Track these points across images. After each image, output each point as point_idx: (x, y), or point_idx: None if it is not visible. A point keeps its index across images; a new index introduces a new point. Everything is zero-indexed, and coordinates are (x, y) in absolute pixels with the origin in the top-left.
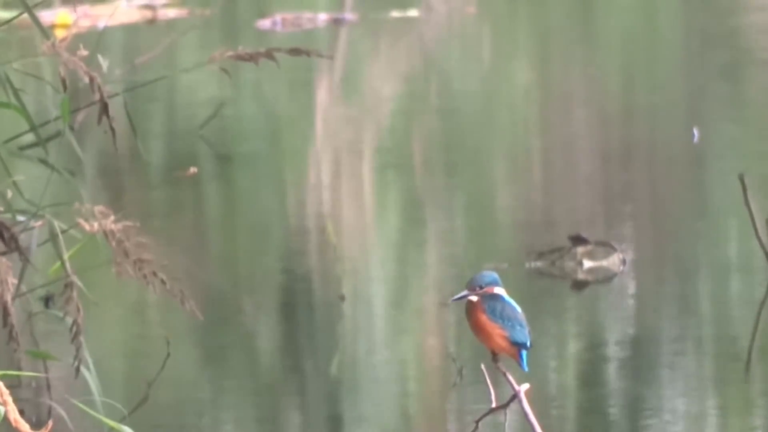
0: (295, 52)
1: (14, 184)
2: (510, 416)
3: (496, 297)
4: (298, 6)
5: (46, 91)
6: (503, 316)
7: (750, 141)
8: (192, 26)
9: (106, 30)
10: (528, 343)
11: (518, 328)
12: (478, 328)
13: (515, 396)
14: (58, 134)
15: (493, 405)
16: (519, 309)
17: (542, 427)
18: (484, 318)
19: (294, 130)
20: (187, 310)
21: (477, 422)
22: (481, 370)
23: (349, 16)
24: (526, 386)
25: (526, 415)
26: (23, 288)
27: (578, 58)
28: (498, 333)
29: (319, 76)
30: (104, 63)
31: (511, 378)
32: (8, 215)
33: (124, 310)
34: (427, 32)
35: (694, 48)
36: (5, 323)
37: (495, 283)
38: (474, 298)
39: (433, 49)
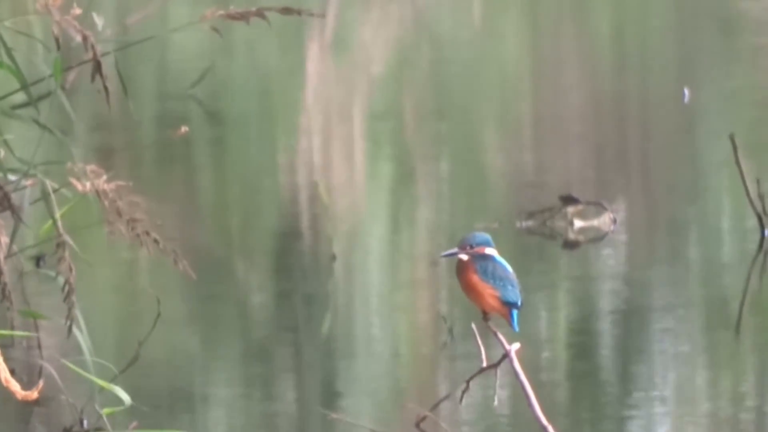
0: (286, 11)
1: (5, 143)
2: (500, 375)
3: (488, 257)
4: None
5: (37, 51)
6: (494, 276)
7: (741, 101)
8: None
9: None
10: (519, 303)
11: (509, 287)
12: (469, 288)
13: (506, 355)
14: (50, 93)
15: (484, 364)
16: (510, 269)
17: (532, 386)
18: (475, 278)
19: (285, 91)
20: (181, 269)
21: (468, 382)
22: (472, 330)
23: None
24: (516, 345)
25: (516, 374)
26: (15, 248)
27: (569, 22)
28: (489, 293)
29: (310, 36)
30: (99, 21)
31: (501, 337)
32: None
33: (114, 269)
34: None
35: (686, 9)
36: None
37: (486, 244)
38: (464, 257)
39: (424, 11)
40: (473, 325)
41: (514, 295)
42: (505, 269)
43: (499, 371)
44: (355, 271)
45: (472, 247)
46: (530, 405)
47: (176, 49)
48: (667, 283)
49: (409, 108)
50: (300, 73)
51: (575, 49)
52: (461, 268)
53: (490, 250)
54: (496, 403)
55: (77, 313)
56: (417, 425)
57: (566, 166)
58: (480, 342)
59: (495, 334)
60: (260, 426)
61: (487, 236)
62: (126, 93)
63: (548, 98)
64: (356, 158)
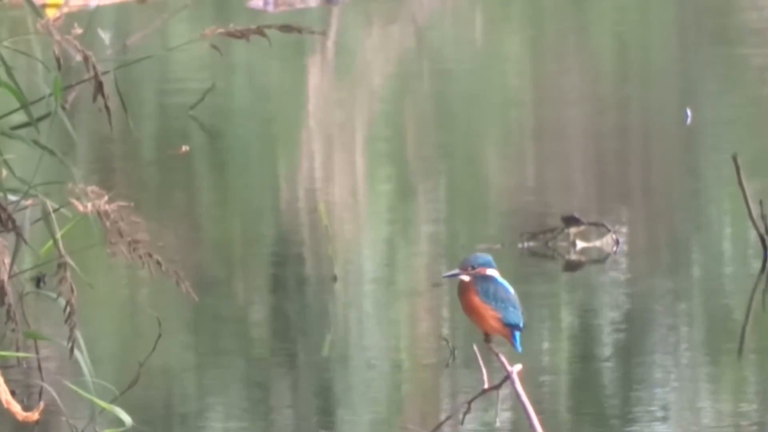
0: (286, 28)
1: (6, 162)
2: (502, 397)
3: (489, 278)
4: None
5: (37, 70)
6: (496, 298)
7: (743, 121)
8: (183, 5)
9: (98, 9)
10: (521, 325)
11: (511, 309)
12: (470, 310)
13: (508, 377)
14: (50, 114)
15: (486, 386)
16: (512, 290)
17: (534, 408)
18: (477, 299)
19: (286, 110)
20: (183, 290)
21: (469, 403)
22: (474, 351)
23: None
24: (518, 367)
25: (518, 395)
26: (16, 268)
27: (572, 41)
28: (491, 314)
29: (311, 55)
30: (106, 37)
31: (503, 359)
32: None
33: (115, 290)
34: (420, 12)
35: (688, 28)
36: (2, 302)
37: (488, 265)
38: (466, 278)
39: (425, 28)
40: (475, 347)
41: (516, 316)
42: (506, 290)
43: (500, 393)
44: (356, 291)
45: (473, 268)
46: (532, 426)
47: (177, 68)
48: (670, 304)
49: (411, 127)
50: (301, 92)
51: (577, 67)
52: (463, 290)
53: (491, 271)
54: (498, 424)
55: (78, 334)
56: None
57: (568, 186)
58: (482, 363)
59: (497, 356)
60: None
61: (489, 257)
62: (126, 112)
63: (550, 118)
64: (357, 178)
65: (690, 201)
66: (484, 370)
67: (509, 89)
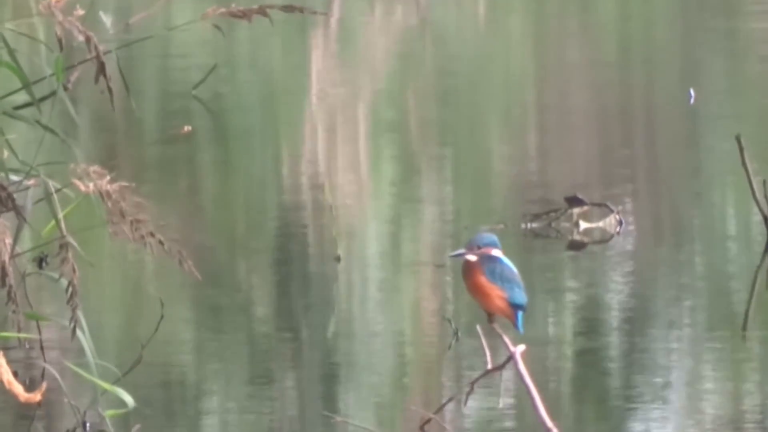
0: (289, 8)
1: (7, 142)
2: (506, 377)
3: (495, 259)
4: None
5: (39, 51)
6: (502, 278)
7: (747, 102)
8: None
9: None
10: (525, 305)
11: (516, 289)
12: (476, 290)
13: (511, 357)
14: (52, 94)
15: (489, 366)
16: (516, 270)
17: (537, 388)
18: (483, 279)
19: (289, 90)
20: (185, 270)
21: (472, 384)
22: (477, 331)
23: None
24: (521, 348)
25: (521, 376)
26: (18, 249)
27: (575, 23)
28: (497, 294)
29: (314, 35)
30: (107, 20)
31: (507, 339)
32: (1, 174)
33: (117, 271)
34: None
35: (692, 8)
36: (3, 283)
37: (494, 245)
38: (472, 258)
39: (428, 10)
40: (478, 328)
41: (521, 297)
42: (511, 271)
43: (504, 373)
44: (360, 271)
45: (479, 247)
46: (535, 407)
47: (179, 48)
48: (673, 284)
49: (414, 107)
50: (304, 71)
51: (580, 49)
52: (468, 270)
53: (496, 252)
54: (500, 405)
55: (80, 314)
56: (421, 428)
57: (572, 167)
58: (485, 344)
59: (500, 336)
60: (263, 428)
61: (494, 237)
62: (128, 92)
63: (553, 99)
64: (361, 159)
65: (693, 181)
66: (487, 351)
67: (512, 70)
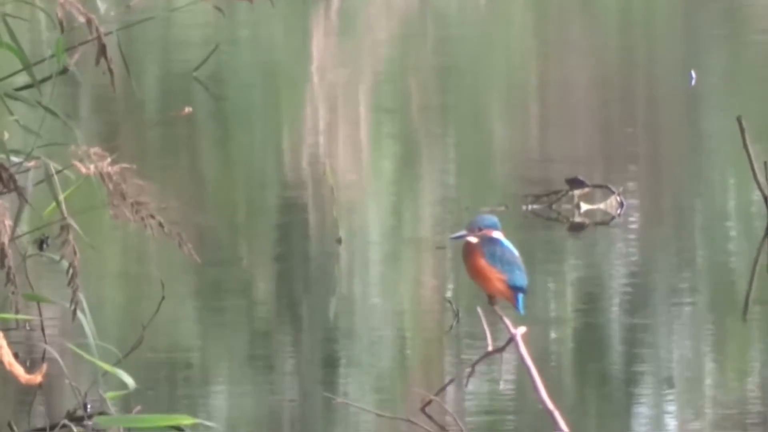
0: None
1: (12, 122)
2: (507, 359)
3: (495, 241)
4: None
5: (41, 31)
6: (502, 260)
7: (748, 84)
8: None
9: None
10: (525, 287)
11: (517, 272)
12: (476, 272)
13: (512, 339)
14: (53, 75)
15: (490, 348)
16: (517, 253)
17: (538, 370)
18: (483, 262)
19: (290, 71)
20: (185, 253)
21: (473, 366)
22: (477, 313)
23: None
24: (522, 329)
25: (522, 357)
26: (18, 231)
27: (577, 3)
28: (497, 276)
29: (315, 16)
30: (102, 5)
31: (507, 321)
32: (2, 156)
33: (118, 252)
34: None
35: None
36: (3, 265)
37: (494, 227)
38: (473, 240)
39: None
40: (479, 310)
41: (521, 279)
42: (512, 253)
43: (505, 355)
44: (361, 253)
45: (480, 229)
46: (536, 389)
47: (180, 30)
48: (674, 266)
49: (415, 90)
50: (305, 53)
51: (582, 31)
52: (468, 252)
53: (497, 234)
54: (501, 386)
55: (81, 296)
56: (422, 409)
57: (573, 148)
58: (486, 326)
59: (501, 318)
60: (264, 409)
61: (495, 219)
62: (129, 73)
63: (555, 81)
64: (362, 140)
65: (694, 163)
66: (488, 333)
67: (514, 52)
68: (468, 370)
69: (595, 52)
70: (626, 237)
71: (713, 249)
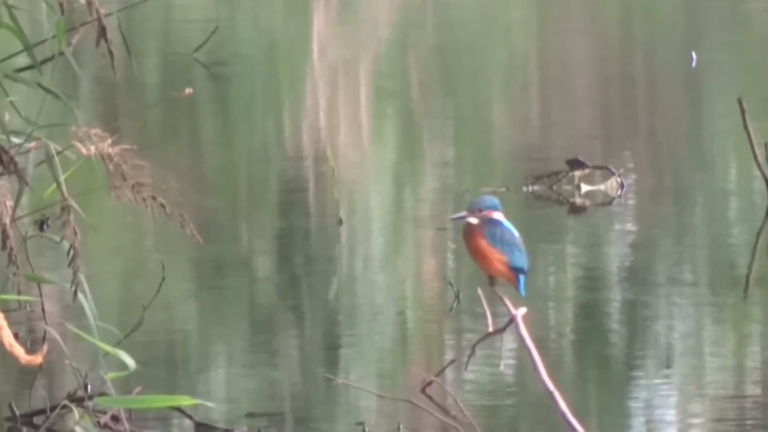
0: None
1: (10, 104)
2: (507, 340)
3: (496, 222)
4: None
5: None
6: (503, 241)
7: (748, 65)
8: None
9: None
10: (526, 269)
11: (517, 253)
12: (477, 253)
13: (512, 320)
14: (54, 56)
15: (490, 329)
16: (517, 234)
17: (539, 351)
18: (483, 243)
19: (290, 52)
20: (187, 233)
21: (473, 347)
22: (478, 294)
23: None
24: (523, 310)
25: (522, 339)
26: (19, 212)
27: None
28: (497, 258)
29: None
30: None
31: (508, 302)
32: (3, 137)
33: (119, 233)
34: None
35: None
36: (4, 246)
37: (495, 208)
38: (473, 221)
39: None
40: (480, 291)
41: (522, 260)
42: (512, 234)
43: (505, 336)
44: (362, 234)
45: (480, 210)
46: (536, 369)
47: (181, 11)
48: (674, 247)
49: (416, 70)
50: (306, 34)
51: (582, 12)
52: (469, 233)
53: (497, 215)
54: (501, 368)
55: (82, 277)
56: (422, 390)
57: (573, 130)
58: (486, 307)
59: (501, 299)
60: (264, 390)
61: (496, 200)
62: (130, 55)
63: (556, 63)
64: (362, 122)
65: (695, 144)
66: (489, 314)
67: (514, 34)
68: (468, 351)
69: (596, 34)
70: (627, 218)
71: (714, 230)
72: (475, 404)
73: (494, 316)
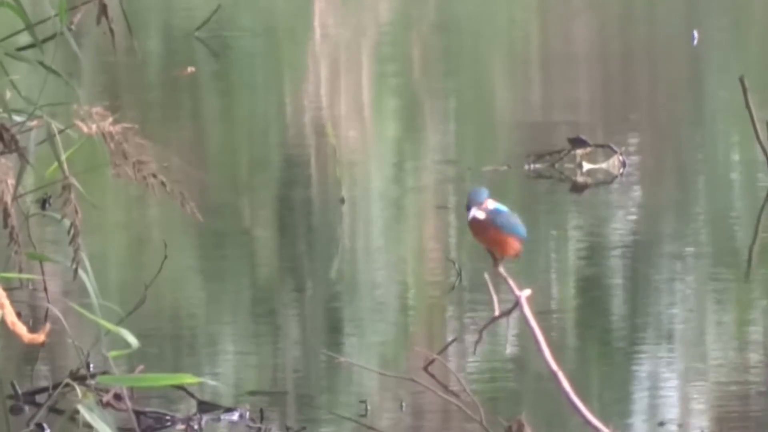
0: None
1: (11, 83)
2: (511, 320)
3: (495, 210)
4: None
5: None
6: (509, 224)
7: (750, 43)
8: None
9: None
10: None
11: (519, 226)
12: (494, 243)
13: (518, 303)
14: (55, 35)
15: (496, 313)
16: (506, 208)
17: (543, 332)
18: (501, 234)
19: (292, 32)
20: (188, 212)
21: (481, 332)
22: (480, 271)
23: None
24: (527, 292)
25: (526, 320)
26: (21, 190)
27: None
28: (512, 242)
29: None
30: None
31: (512, 283)
32: (5, 115)
33: (120, 212)
34: None
35: None
36: (6, 224)
37: (489, 197)
38: (481, 215)
39: None
40: (486, 276)
41: (522, 228)
42: (508, 212)
43: (509, 316)
44: (364, 213)
45: (481, 204)
46: (540, 350)
47: None
48: (676, 226)
49: (417, 49)
50: (307, 12)
51: None
52: (480, 228)
53: (491, 202)
54: (505, 346)
55: (83, 255)
56: (425, 369)
57: (575, 108)
58: (492, 291)
59: (506, 281)
60: (266, 369)
61: (485, 189)
62: (131, 33)
63: (557, 41)
64: (364, 101)
65: (697, 122)
66: (495, 298)
67: (517, 12)
68: (476, 336)
69: (598, 12)
70: (628, 196)
71: (715, 208)
72: (478, 382)
73: (498, 295)
